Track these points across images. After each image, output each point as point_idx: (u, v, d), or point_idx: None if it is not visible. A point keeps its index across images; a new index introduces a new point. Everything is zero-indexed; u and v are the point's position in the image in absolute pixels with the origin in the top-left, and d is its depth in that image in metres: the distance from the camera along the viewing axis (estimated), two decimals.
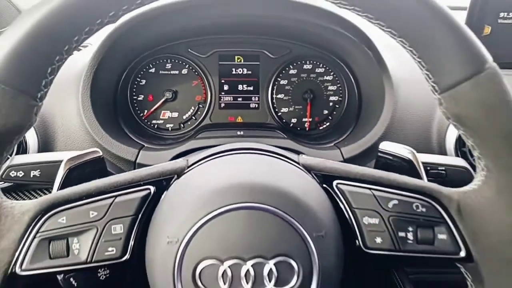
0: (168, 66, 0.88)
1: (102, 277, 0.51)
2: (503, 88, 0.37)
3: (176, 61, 0.88)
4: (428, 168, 0.58)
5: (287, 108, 0.91)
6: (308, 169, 0.47)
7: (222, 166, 0.46)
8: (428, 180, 0.57)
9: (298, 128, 0.91)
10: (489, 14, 0.77)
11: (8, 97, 0.34)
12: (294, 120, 0.91)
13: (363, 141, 0.76)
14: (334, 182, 0.45)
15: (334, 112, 0.91)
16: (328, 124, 0.91)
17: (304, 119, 0.91)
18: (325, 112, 0.91)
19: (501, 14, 0.77)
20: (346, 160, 0.76)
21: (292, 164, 0.47)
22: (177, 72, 0.89)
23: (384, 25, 0.37)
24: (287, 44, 0.89)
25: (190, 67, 0.89)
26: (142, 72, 0.88)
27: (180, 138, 0.88)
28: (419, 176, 0.52)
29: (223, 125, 0.89)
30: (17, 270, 0.38)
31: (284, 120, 0.91)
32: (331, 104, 0.91)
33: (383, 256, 0.44)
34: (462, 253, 0.41)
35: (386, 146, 0.54)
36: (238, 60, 0.89)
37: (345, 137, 0.85)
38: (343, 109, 0.91)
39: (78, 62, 0.76)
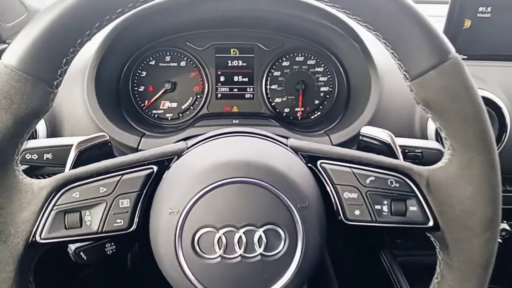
0: (167, 58, 0.93)
1: (109, 252, 0.56)
2: (464, 76, 0.42)
3: (175, 54, 0.93)
4: (406, 150, 0.63)
5: (280, 98, 0.96)
6: (295, 150, 0.52)
7: (217, 147, 0.51)
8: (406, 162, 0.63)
9: (291, 117, 0.97)
10: (469, 8, 0.82)
11: (29, 85, 0.39)
12: (287, 110, 0.96)
13: (351, 128, 0.81)
14: (318, 162, 0.50)
15: (325, 102, 0.96)
16: (319, 113, 0.96)
17: (296, 109, 0.96)
18: (316, 102, 0.96)
19: (480, 9, 0.82)
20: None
21: (281, 145, 0.52)
22: (176, 64, 0.93)
23: (361, 20, 0.42)
24: (280, 37, 0.94)
25: (188, 60, 0.93)
26: (143, 64, 0.92)
27: (179, 126, 0.93)
28: (396, 157, 0.57)
29: (220, 114, 0.94)
30: (37, 238, 0.43)
31: (277, 110, 0.96)
32: (322, 94, 0.96)
33: (362, 227, 0.49)
34: (430, 223, 0.47)
35: (367, 130, 0.59)
36: (234, 53, 0.94)
37: (335, 125, 0.90)
38: (333, 99, 0.96)
39: (83, 55, 0.81)
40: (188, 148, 0.52)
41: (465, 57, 0.87)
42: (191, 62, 0.94)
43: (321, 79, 0.95)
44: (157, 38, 0.92)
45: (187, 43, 0.93)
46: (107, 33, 0.80)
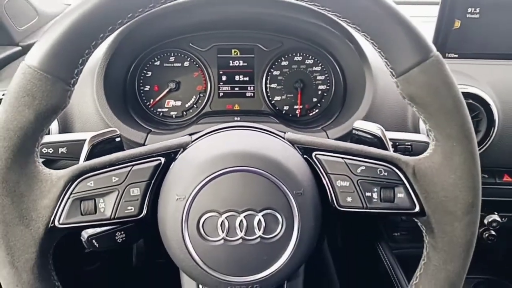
0: (172, 59, 0.97)
1: (119, 240, 0.60)
2: (445, 72, 0.46)
3: (179, 54, 0.97)
4: (397, 143, 0.67)
5: (279, 97, 1.00)
6: (292, 142, 0.56)
7: (220, 139, 0.55)
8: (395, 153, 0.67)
9: (290, 115, 1.01)
10: (458, 9, 0.86)
11: (49, 83, 0.43)
12: (286, 108, 1.00)
13: (347, 124, 0.85)
14: (313, 153, 0.54)
15: (323, 100, 1.00)
16: (317, 110, 1.00)
17: (295, 106, 1.00)
18: (314, 99, 1.00)
19: (469, 10, 0.86)
20: None
21: (279, 138, 0.56)
22: (179, 64, 0.97)
23: (350, 22, 0.46)
24: (279, 38, 0.98)
25: (192, 60, 0.98)
26: (148, 65, 0.97)
27: (183, 124, 0.97)
28: (386, 149, 0.61)
29: (222, 112, 0.98)
30: (56, 223, 0.47)
31: (277, 108, 1.00)
32: (319, 92, 1.00)
33: (354, 214, 0.53)
34: (417, 209, 0.50)
35: (359, 124, 0.63)
36: (235, 53, 0.98)
37: (332, 121, 0.95)
38: (331, 97, 1.00)
39: (92, 56, 0.85)
40: (192, 141, 0.56)
41: (456, 55, 0.91)
42: (194, 63, 0.98)
43: (318, 77, 0.99)
44: (161, 40, 0.96)
45: (190, 44, 0.97)
46: (115, 36, 0.85)
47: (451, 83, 0.46)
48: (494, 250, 1.08)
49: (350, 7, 0.45)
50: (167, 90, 0.97)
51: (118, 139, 0.61)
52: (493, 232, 0.96)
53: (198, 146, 0.54)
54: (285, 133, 0.58)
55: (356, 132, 0.62)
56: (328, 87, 1.00)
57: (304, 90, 0.99)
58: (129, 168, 0.50)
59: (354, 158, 0.52)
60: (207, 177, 0.48)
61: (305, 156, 0.54)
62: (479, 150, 0.83)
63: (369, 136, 0.61)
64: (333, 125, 0.90)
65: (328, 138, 0.86)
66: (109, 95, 0.84)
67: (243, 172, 0.48)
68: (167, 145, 0.54)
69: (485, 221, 0.93)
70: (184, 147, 0.55)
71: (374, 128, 0.61)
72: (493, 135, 0.82)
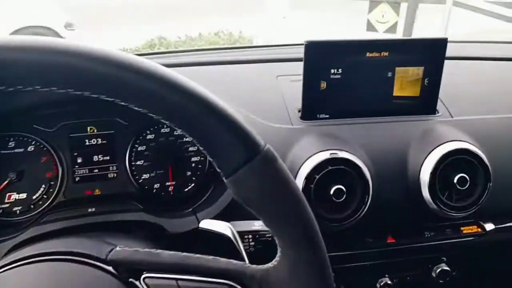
0: (11, 144, 0.82)
1: None
2: (275, 169, 0.38)
3: (20, 138, 0.82)
4: (257, 236, 0.59)
5: (148, 174, 0.88)
6: (117, 264, 0.45)
7: (12, 281, 0.42)
8: (258, 248, 0.58)
9: (162, 193, 0.89)
10: (322, 71, 0.84)
11: None
12: (157, 186, 0.89)
13: (217, 204, 0.76)
14: (142, 276, 0.43)
15: (198, 172, 0.90)
16: (192, 185, 0.90)
17: (167, 183, 0.89)
18: (188, 173, 0.90)
19: (332, 71, 0.84)
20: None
21: (94, 266, 0.44)
22: (22, 150, 0.82)
23: (167, 121, 0.38)
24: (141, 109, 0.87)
25: (37, 143, 0.83)
26: None
27: (30, 220, 0.80)
28: (238, 252, 0.52)
29: (78, 200, 0.83)
30: None
31: (146, 187, 0.88)
32: (193, 165, 0.90)
33: None
34: None
35: (206, 224, 0.54)
36: (91, 131, 0.86)
37: (204, 200, 0.85)
38: (206, 170, 0.90)
39: None
40: None
41: (327, 116, 0.88)
42: (41, 146, 0.83)
43: (190, 149, 0.90)
44: None
45: (34, 125, 0.82)
46: None
47: (285, 180, 0.39)
48: None
49: (165, 108, 0.37)
50: (6, 182, 0.81)
51: None
52: None
53: None
54: (112, 249, 0.47)
55: (205, 234, 0.53)
56: (202, 158, 0.90)
57: (176, 164, 0.89)
58: None
59: (191, 278, 0.43)
60: None
61: (130, 280, 0.44)
62: (357, 217, 0.78)
63: (218, 236, 0.52)
64: (205, 205, 0.81)
65: (198, 222, 0.76)
66: None
67: None
68: None
69: (378, 285, 0.88)
70: None
71: (222, 227, 0.52)
72: (369, 200, 0.78)
